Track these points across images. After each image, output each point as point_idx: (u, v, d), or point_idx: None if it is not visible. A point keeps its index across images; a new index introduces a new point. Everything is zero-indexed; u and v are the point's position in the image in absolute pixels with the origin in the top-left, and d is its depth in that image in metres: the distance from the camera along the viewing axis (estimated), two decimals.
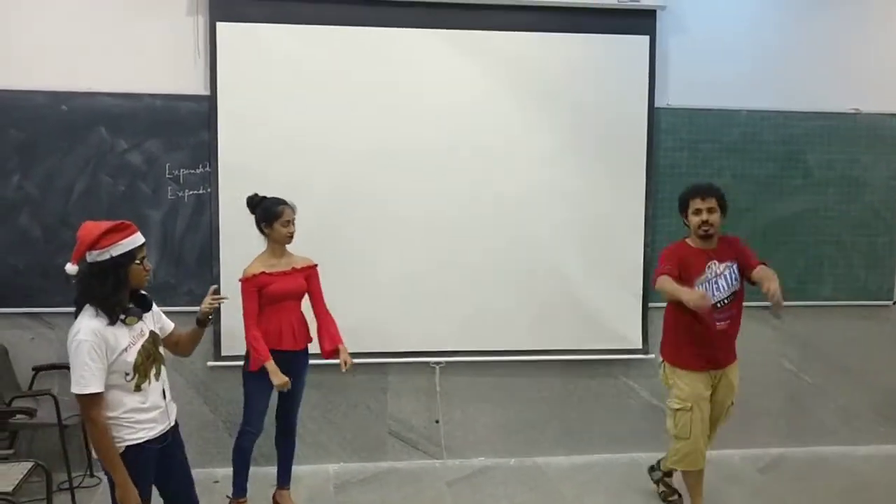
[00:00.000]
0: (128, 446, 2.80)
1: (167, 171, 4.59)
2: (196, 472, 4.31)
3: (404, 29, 4.69)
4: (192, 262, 4.65)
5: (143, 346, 2.85)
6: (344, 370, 4.07)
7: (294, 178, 4.56)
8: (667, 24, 4.94)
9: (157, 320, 3.09)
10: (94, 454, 2.87)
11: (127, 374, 2.78)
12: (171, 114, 4.56)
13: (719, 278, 3.91)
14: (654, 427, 5.09)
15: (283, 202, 3.98)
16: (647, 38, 4.88)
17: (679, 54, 4.99)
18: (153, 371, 2.90)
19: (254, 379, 3.94)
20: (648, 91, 4.89)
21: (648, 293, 4.94)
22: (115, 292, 2.77)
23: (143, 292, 2.96)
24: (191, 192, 4.62)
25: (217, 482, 4.53)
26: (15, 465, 3.60)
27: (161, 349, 3.01)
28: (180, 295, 4.61)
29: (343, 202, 4.68)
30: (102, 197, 4.54)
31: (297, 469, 4.56)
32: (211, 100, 4.56)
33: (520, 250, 4.84)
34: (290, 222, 3.98)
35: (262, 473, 4.48)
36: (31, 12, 4.47)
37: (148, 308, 2.98)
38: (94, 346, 2.69)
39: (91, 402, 2.71)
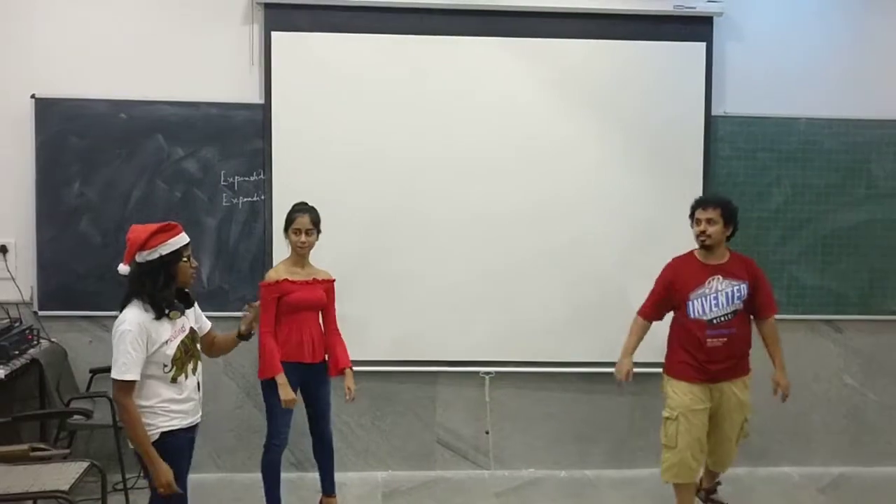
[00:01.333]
0: (162, 432, 2.94)
1: (222, 179, 4.66)
2: (244, 477, 4.38)
3: (458, 37, 4.69)
4: (246, 269, 4.70)
5: (182, 340, 3.00)
6: (347, 399, 4.07)
7: (346, 186, 4.59)
8: (724, 30, 4.84)
9: (198, 319, 3.22)
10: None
11: (165, 366, 2.94)
12: (227, 122, 4.63)
13: (719, 294, 3.86)
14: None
15: (302, 210, 3.94)
16: (703, 44, 4.79)
17: (736, 61, 4.89)
18: (190, 366, 3.04)
19: (274, 391, 3.89)
20: (705, 99, 4.80)
21: None
22: (163, 288, 2.95)
23: (186, 290, 3.11)
24: (245, 200, 4.68)
25: None
26: (72, 465, 3.66)
27: (198, 346, 3.15)
28: (233, 301, 4.66)
29: (394, 209, 4.69)
30: (159, 203, 4.63)
31: (345, 476, 4.59)
32: (265, 108, 4.62)
33: (571, 260, 4.78)
34: (302, 231, 3.91)
35: (310, 479, 4.49)
36: (92, 24, 4.59)
37: (190, 305, 3.13)
38: (136, 336, 2.85)
39: (127, 388, 2.87)
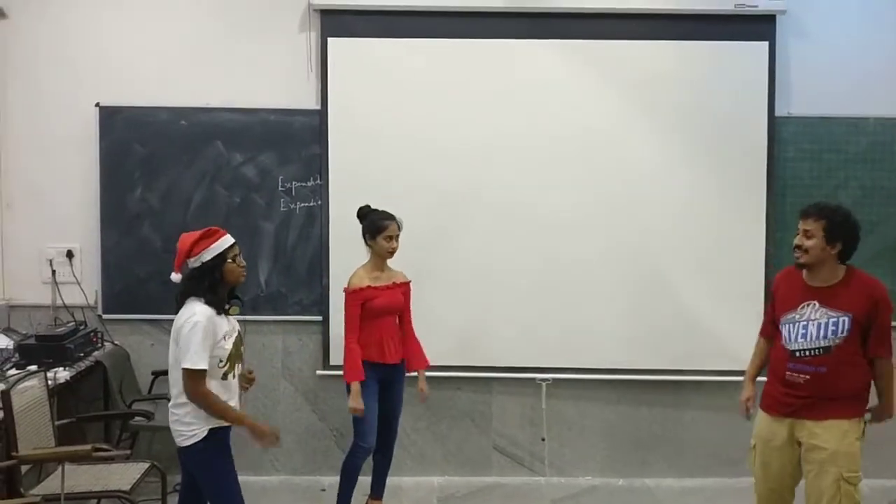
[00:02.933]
0: (210, 429, 3.05)
1: (280, 184, 4.71)
2: (302, 480, 4.41)
3: (514, 40, 4.66)
4: (303, 273, 4.74)
5: (235, 339, 3.12)
6: (421, 399, 4.15)
7: (402, 192, 4.58)
8: (787, 28, 4.71)
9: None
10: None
11: (220, 362, 3.05)
12: (284, 128, 4.68)
13: (810, 324, 3.18)
14: None
15: (391, 217, 4.00)
16: (766, 43, 4.66)
17: (800, 60, 4.75)
18: (237, 366, 3.16)
19: (361, 393, 3.93)
20: (768, 99, 4.67)
21: None
22: (213, 290, 3.07)
23: (237, 294, 3.24)
24: (302, 205, 4.72)
25: (324, 490, 4.57)
26: (133, 466, 3.75)
27: (243, 349, 3.25)
28: (291, 304, 4.72)
29: (451, 214, 4.68)
30: (219, 209, 4.70)
31: (400, 480, 4.59)
32: (322, 114, 4.65)
33: (631, 264, 4.70)
34: (394, 238, 3.98)
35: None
36: (153, 34, 4.69)
37: (241, 305, 3.29)
38: (206, 328, 2.98)
39: (201, 377, 2.98)
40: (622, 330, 4.72)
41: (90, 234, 4.71)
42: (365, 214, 4.05)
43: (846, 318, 3.14)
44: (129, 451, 4.07)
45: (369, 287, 3.95)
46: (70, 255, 4.72)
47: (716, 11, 4.64)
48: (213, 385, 3.04)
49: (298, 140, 4.69)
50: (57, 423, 3.83)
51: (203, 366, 2.96)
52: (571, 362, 4.75)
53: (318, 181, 4.69)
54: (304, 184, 4.71)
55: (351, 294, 3.96)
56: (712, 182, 4.69)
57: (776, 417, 3.30)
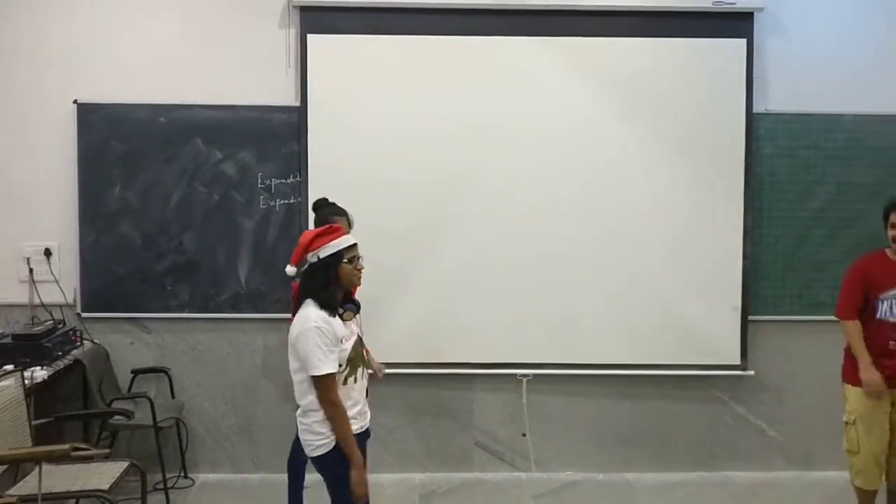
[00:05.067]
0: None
1: (259, 181, 4.69)
2: (283, 478, 4.40)
3: (495, 37, 4.67)
4: (283, 271, 4.69)
5: (355, 342, 3.01)
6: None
7: (383, 188, 4.60)
8: (765, 26, 4.75)
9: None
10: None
11: (341, 366, 2.93)
12: (264, 125, 4.67)
13: None
14: (751, 445, 4.90)
15: (341, 213, 3.90)
16: (744, 41, 4.70)
17: (778, 57, 4.79)
18: (360, 370, 3.03)
19: None
20: (746, 96, 4.71)
21: (749, 307, 4.75)
22: (326, 288, 2.96)
23: (355, 298, 3.11)
24: (282, 202, 4.70)
25: (307, 488, 4.54)
26: (112, 465, 3.72)
27: (364, 352, 3.14)
28: (271, 303, 4.71)
29: (434, 212, 4.68)
30: (198, 206, 4.68)
31: (382, 477, 4.59)
32: (301, 111, 4.64)
33: (610, 260, 4.73)
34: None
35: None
36: (132, 30, 4.66)
37: (358, 310, 3.11)
38: (323, 331, 2.86)
39: (328, 382, 2.86)
40: (602, 325, 4.74)
41: (68, 232, 4.67)
42: (319, 207, 3.99)
43: None
44: (108, 451, 4.03)
45: None
46: (48, 253, 4.68)
47: (694, 9, 4.66)
48: (339, 391, 2.93)
49: (278, 137, 4.67)
50: (34, 422, 3.80)
51: (328, 370, 2.84)
52: (552, 358, 4.77)
53: (298, 178, 4.67)
54: (283, 181, 4.69)
55: (295, 290, 3.89)
56: (691, 178, 4.72)
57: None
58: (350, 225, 3.96)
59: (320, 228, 3.05)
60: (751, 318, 4.76)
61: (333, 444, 2.89)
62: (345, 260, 2.99)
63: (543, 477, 4.84)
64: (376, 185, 4.59)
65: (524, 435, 4.86)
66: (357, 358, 3.00)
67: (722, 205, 4.73)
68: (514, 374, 4.78)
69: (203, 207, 4.68)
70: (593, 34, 4.66)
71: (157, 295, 4.70)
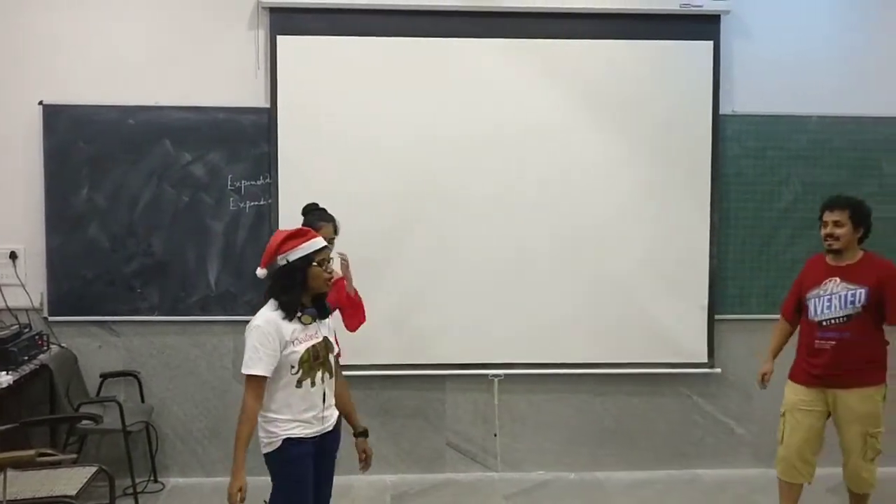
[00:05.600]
0: (284, 439, 2.92)
1: (229, 183, 4.67)
2: (257, 480, 4.34)
3: (463, 39, 4.69)
4: (253, 273, 4.66)
5: (313, 345, 2.97)
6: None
7: (353, 189, 4.59)
8: (731, 28, 4.82)
9: (332, 331, 3.16)
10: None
11: (292, 368, 2.92)
12: (233, 126, 4.64)
13: (833, 297, 3.73)
14: (719, 443, 4.96)
15: (327, 220, 3.90)
16: (710, 43, 4.76)
17: (744, 59, 4.86)
18: (318, 374, 2.99)
19: None
20: (713, 98, 4.77)
21: (715, 306, 4.81)
22: (292, 291, 2.95)
23: (326, 302, 3.09)
24: (252, 203, 4.68)
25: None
26: (80, 470, 3.69)
27: (331, 357, 3.09)
28: (241, 304, 4.68)
29: (403, 213, 4.68)
30: (167, 208, 4.65)
31: (353, 479, 4.57)
32: (271, 112, 4.62)
33: (579, 260, 4.76)
34: (326, 240, 3.90)
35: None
36: (99, 31, 4.61)
37: (325, 315, 3.09)
38: (266, 333, 2.87)
39: (252, 383, 2.86)
40: (572, 325, 4.78)
41: (34, 235, 4.61)
42: (307, 212, 4.02)
43: (862, 291, 3.68)
44: (75, 456, 4.00)
45: None
46: (13, 256, 4.62)
47: (661, 11, 4.71)
48: (288, 394, 2.92)
49: (248, 138, 4.65)
50: None
51: (253, 371, 2.84)
52: (523, 358, 4.80)
53: (268, 179, 4.66)
54: (253, 182, 4.68)
55: None
56: (659, 179, 4.77)
57: (807, 387, 3.80)
58: (336, 231, 3.95)
59: (291, 230, 3.03)
60: (717, 316, 4.83)
61: (279, 444, 2.92)
62: (314, 263, 2.98)
63: (515, 477, 4.87)
64: (346, 187, 4.58)
65: (495, 435, 4.89)
66: (314, 361, 2.97)
67: (689, 205, 4.79)
68: (486, 375, 4.81)
69: (172, 209, 4.65)
70: (561, 36, 4.69)
71: (126, 298, 4.66)
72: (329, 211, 3.95)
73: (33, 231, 4.61)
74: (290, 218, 4.48)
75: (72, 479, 3.57)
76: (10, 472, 3.35)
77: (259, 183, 4.67)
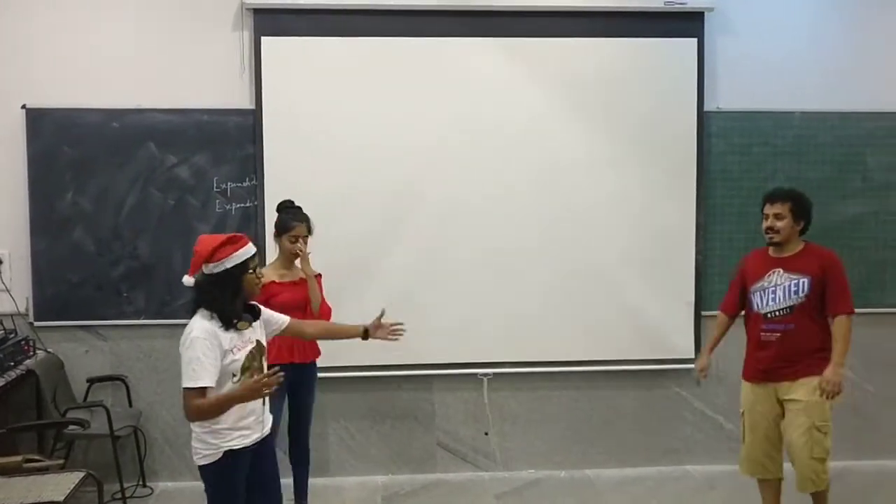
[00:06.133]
0: (225, 451, 2.90)
1: (215, 185, 4.65)
2: None
3: (449, 38, 4.68)
4: None
5: (250, 351, 2.97)
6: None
7: (339, 190, 4.59)
8: (715, 25, 4.83)
9: (268, 324, 3.18)
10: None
11: (234, 376, 2.90)
12: (218, 128, 4.63)
13: (777, 288, 3.72)
14: (708, 438, 4.98)
15: (301, 220, 3.95)
16: (694, 40, 4.78)
17: (728, 56, 4.88)
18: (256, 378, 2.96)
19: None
20: (697, 95, 4.79)
21: (702, 301, 4.83)
22: (231, 300, 2.92)
23: (253, 302, 3.08)
24: (238, 206, 4.67)
25: None
26: (68, 475, 3.67)
27: (264, 360, 3.08)
28: None
29: (387, 213, 4.67)
30: (153, 211, 4.62)
31: (344, 480, 4.59)
32: (256, 113, 4.61)
33: (566, 257, 4.77)
34: (299, 239, 3.93)
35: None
36: (82, 33, 4.58)
37: (257, 317, 3.09)
38: (207, 343, 2.82)
39: (199, 396, 2.81)
40: (560, 323, 4.78)
41: (19, 240, 4.58)
42: (282, 209, 4.03)
43: (805, 280, 3.67)
44: (62, 461, 3.99)
45: (272, 283, 3.90)
46: None
47: (645, 9, 4.73)
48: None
49: (233, 140, 4.63)
50: None
51: (203, 383, 2.80)
52: (511, 356, 4.81)
53: (254, 181, 4.64)
54: (239, 184, 4.66)
55: None
56: (644, 175, 4.78)
57: (758, 384, 3.80)
58: (310, 231, 3.97)
59: (222, 237, 2.96)
60: (703, 313, 4.83)
61: (218, 456, 2.88)
62: (249, 270, 2.96)
63: (506, 476, 4.88)
64: (332, 187, 4.58)
65: (486, 434, 4.89)
66: (252, 367, 2.96)
67: (675, 202, 4.80)
68: (475, 374, 4.81)
69: (158, 212, 4.63)
70: (546, 35, 4.70)
71: (112, 301, 4.64)
72: (306, 210, 3.95)
73: (18, 235, 4.58)
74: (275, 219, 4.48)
75: (59, 485, 3.55)
76: None
77: (245, 185, 4.66)
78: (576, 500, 4.57)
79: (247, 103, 4.63)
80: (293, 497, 4.18)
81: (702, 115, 4.79)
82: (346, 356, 4.51)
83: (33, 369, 4.27)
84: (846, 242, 4.90)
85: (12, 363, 4.21)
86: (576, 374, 4.88)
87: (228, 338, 2.88)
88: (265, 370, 3.02)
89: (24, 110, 4.52)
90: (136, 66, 4.60)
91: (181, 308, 4.64)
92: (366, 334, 3.49)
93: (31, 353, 4.44)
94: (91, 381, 4.61)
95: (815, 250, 3.76)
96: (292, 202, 4.02)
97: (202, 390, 2.81)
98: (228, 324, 2.89)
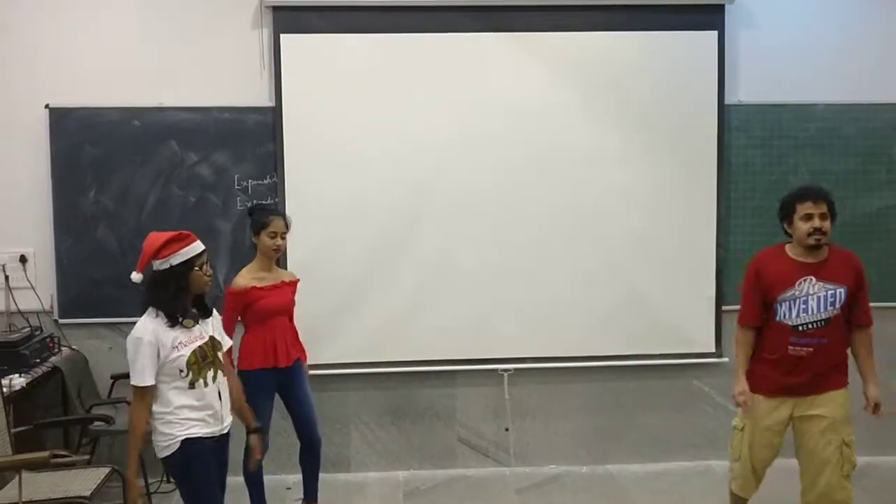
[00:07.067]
0: (182, 440, 2.95)
1: (236, 183, 4.68)
2: (268, 479, 4.38)
3: (467, 34, 4.66)
4: None
5: (200, 346, 3.00)
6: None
7: (359, 187, 4.60)
8: (736, 17, 4.78)
9: (218, 328, 3.20)
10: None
11: (181, 371, 2.94)
12: (239, 126, 4.65)
13: (810, 298, 3.36)
14: (730, 434, 4.93)
15: (276, 214, 3.94)
16: (715, 33, 4.73)
17: (749, 49, 4.83)
18: (210, 373, 3.03)
19: (257, 384, 3.83)
20: (718, 88, 4.74)
21: (722, 295, 4.80)
22: (176, 297, 2.97)
23: (204, 301, 3.11)
24: (259, 203, 4.68)
25: (289, 489, 4.57)
26: (94, 471, 3.72)
27: (220, 355, 3.11)
28: None
29: (408, 208, 4.68)
30: (174, 209, 4.65)
31: (365, 476, 4.61)
32: (276, 111, 4.62)
33: (588, 253, 4.75)
34: (279, 235, 3.91)
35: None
36: (103, 32, 4.62)
37: (208, 314, 3.12)
38: (146, 342, 2.89)
39: (141, 393, 2.93)
40: (580, 317, 4.77)
41: (44, 238, 4.63)
42: (251, 211, 4.04)
43: (842, 290, 3.36)
44: (88, 457, 4.03)
45: (254, 288, 3.87)
46: (23, 259, 4.65)
47: (665, 2, 4.69)
48: (183, 396, 2.96)
49: (253, 138, 4.65)
50: (14, 430, 3.78)
51: (141, 383, 2.90)
52: (532, 352, 4.80)
53: (274, 178, 4.66)
54: (260, 182, 4.68)
55: (232, 294, 3.87)
56: (664, 169, 4.75)
57: (778, 398, 3.46)
58: (287, 227, 3.97)
59: (168, 234, 3.00)
60: (724, 307, 4.80)
61: (177, 446, 2.94)
62: (196, 267, 2.99)
63: (526, 471, 4.88)
64: (352, 185, 4.59)
65: (507, 430, 4.89)
66: (203, 362, 2.99)
67: (696, 195, 4.77)
68: (496, 370, 4.81)
69: (179, 210, 4.66)
70: (566, 29, 4.67)
71: (136, 300, 4.62)
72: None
73: (42, 234, 4.63)
74: (296, 216, 4.47)
75: (86, 480, 3.60)
76: (25, 474, 3.39)
77: (266, 182, 4.68)
78: (597, 495, 4.57)
79: (266, 101, 4.65)
80: (302, 497, 4.20)
81: (722, 108, 4.75)
82: (367, 354, 4.53)
83: (59, 366, 4.34)
84: (871, 236, 4.86)
85: (38, 360, 4.27)
86: (596, 369, 4.86)
87: (173, 336, 2.93)
88: (220, 363, 3.09)
89: (47, 110, 4.56)
90: (156, 65, 4.63)
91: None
92: (253, 431, 3.45)
93: (57, 350, 4.50)
94: (115, 377, 4.64)
95: (843, 255, 3.45)
96: (261, 203, 3.98)
97: (148, 389, 2.92)
98: (174, 321, 2.94)
